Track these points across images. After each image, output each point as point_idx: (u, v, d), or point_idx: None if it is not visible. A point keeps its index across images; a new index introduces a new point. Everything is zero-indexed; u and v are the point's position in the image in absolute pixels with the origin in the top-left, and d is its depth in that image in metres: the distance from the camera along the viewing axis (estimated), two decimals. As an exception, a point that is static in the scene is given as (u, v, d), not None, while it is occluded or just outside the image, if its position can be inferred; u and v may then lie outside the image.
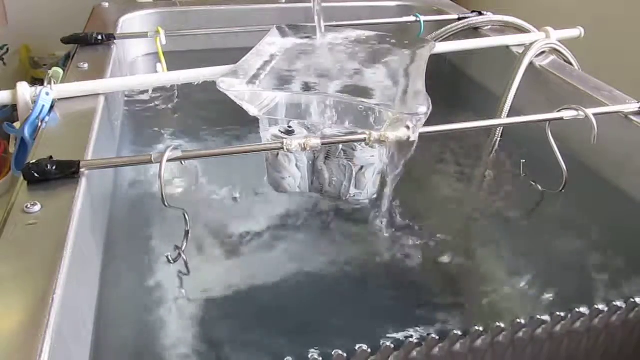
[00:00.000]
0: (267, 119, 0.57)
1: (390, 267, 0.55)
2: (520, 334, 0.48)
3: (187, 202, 0.62)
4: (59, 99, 0.61)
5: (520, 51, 0.80)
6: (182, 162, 0.49)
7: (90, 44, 0.80)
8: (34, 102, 0.58)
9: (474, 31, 0.94)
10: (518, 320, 0.48)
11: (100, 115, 0.59)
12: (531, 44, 0.80)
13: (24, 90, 0.59)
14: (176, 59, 0.80)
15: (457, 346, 0.46)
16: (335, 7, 1.06)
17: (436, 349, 0.46)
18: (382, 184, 0.59)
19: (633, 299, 0.51)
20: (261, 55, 0.63)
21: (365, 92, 0.55)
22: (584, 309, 0.49)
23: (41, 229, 0.40)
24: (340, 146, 0.56)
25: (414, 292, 0.52)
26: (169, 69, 0.78)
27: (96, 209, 0.50)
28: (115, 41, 0.82)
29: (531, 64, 0.78)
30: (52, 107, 0.59)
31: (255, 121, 0.58)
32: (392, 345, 0.44)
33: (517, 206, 0.65)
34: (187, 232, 0.50)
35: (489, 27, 0.95)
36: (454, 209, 0.65)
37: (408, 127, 0.51)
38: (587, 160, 0.69)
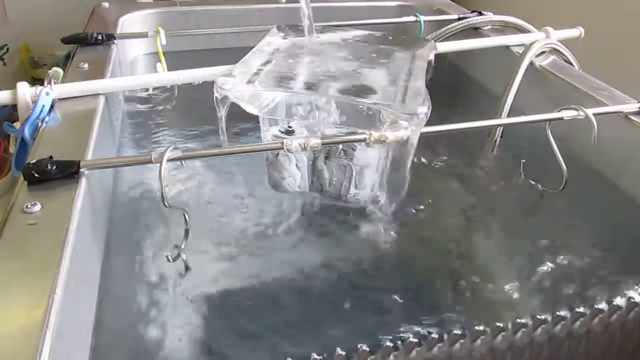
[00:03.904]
0: (267, 119, 0.57)
1: (390, 267, 0.55)
2: (520, 333, 0.48)
3: (185, 202, 0.62)
4: (59, 99, 0.61)
5: (520, 51, 0.80)
6: (182, 162, 0.49)
7: (90, 44, 0.80)
8: (34, 102, 0.58)
9: (474, 31, 0.94)
10: (518, 320, 0.48)
11: (100, 115, 0.59)
12: (531, 44, 0.80)
13: (24, 90, 0.59)
14: (176, 59, 0.80)
15: (457, 346, 0.46)
16: (335, 7, 1.06)
17: (436, 349, 0.46)
18: (384, 184, 0.59)
19: (633, 298, 0.51)
20: (261, 55, 0.63)
21: (365, 92, 0.55)
22: (583, 309, 0.49)
23: (41, 229, 0.40)
24: (340, 146, 0.56)
25: (414, 291, 0.52)
26: (169, 69, 0.78)
27: (96, 209, 0.50)
28: (115, 41, 0.82)
29: (531, 64, 0.78)
30: (52, 107, 0.59)
31: (255, 121, 0.58)
32: (392, 345, 0.44)
33: (516, 205, 0.65)
34: (186, 232, 0.50)
35: (489, 27, 0.95)
36: (454, 209, 0.65)
37: (407, 127, 0.51)
38: (587, 160, 0.69)
